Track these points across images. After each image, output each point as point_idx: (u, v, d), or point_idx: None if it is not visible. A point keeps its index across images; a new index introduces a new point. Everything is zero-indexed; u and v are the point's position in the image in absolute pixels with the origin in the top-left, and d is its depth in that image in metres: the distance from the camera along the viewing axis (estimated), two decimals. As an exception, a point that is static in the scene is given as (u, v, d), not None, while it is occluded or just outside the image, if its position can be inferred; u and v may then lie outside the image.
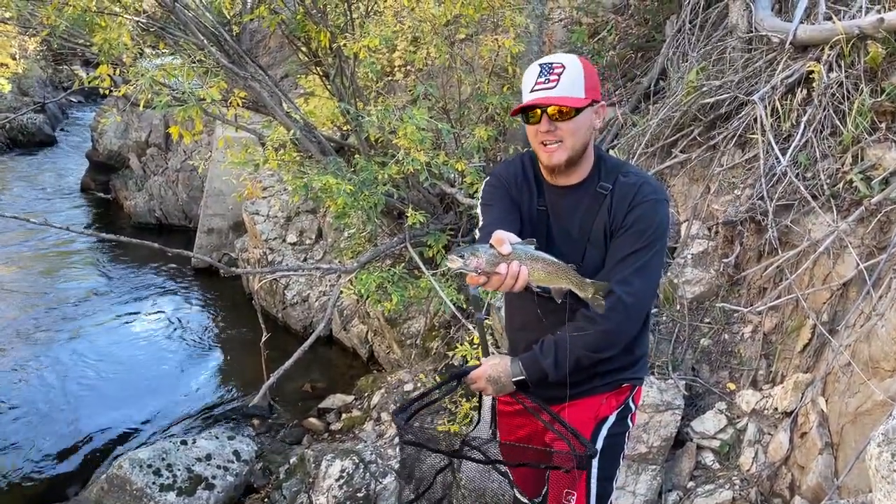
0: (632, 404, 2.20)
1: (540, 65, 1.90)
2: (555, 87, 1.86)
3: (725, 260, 3.97)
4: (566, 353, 1.95)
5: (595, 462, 2.11)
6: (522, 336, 2.17)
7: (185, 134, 4.66)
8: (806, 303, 3.44)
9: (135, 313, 7.22)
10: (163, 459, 4.20)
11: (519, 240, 1.70)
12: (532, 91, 1.89)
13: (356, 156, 5.06)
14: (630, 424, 2.22)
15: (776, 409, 3.40)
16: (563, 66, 1.87)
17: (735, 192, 4.11)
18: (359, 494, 3.97)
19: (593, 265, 1.98)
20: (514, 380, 2.06)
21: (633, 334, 2.05)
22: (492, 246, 1.64)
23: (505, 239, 1.65)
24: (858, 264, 3.18)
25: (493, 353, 2.21)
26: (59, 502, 4.47)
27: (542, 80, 1.87)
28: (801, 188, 3.60)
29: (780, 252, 3.63)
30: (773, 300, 3.61)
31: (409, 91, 5.31)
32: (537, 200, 2.05)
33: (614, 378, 2.13)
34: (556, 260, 1.76)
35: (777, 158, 3.80)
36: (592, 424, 2.13)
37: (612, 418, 2.15)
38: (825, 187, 3.55)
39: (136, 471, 4.08)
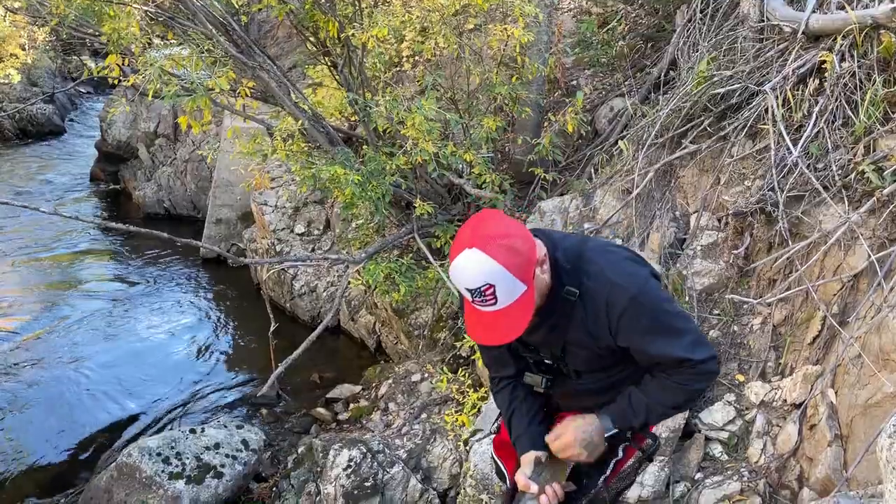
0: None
1: (468, 290, 1.69)
2: (494, 303, 1.70)
3: (735, 251, 3.95)
4: (655, 414, 1.96)
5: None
6: (563, 404, 2.18)
7: (193, 124, 4.66)
8: (816, 294, 3.42)
9: (143, 303, 7.26)
10: (172, 448, 4.23)
11: (529, 471, 2.01)
12: (472, 302, 1.73)
13: (364, 146, 5.07)
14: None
15: (785, 400, 3.39)
16: (492, 286, 1.66)
17: (745, 182, 4.08)
18: (366, 484, 3.99)
19: (581, 362, 1.97)
20: (606, 435, 1.99)
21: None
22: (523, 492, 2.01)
23: (528, 482, 1.98)
24: (870, 256, 3.16)
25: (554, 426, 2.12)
26: (69, 489, 4.52)
27: (479, 299, 1.70)
28: (813, 179, 3.57)
29: (790, 243, 3.61)
30: (783, 292, 3.59)
31: (418, 81, 5.31)
32: None
33: None
34: (560, 459, 2.02)
35: (788, 149, 3.76)
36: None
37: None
38: (837, 178, 3.52)
39: (145, 459, 4.10)
